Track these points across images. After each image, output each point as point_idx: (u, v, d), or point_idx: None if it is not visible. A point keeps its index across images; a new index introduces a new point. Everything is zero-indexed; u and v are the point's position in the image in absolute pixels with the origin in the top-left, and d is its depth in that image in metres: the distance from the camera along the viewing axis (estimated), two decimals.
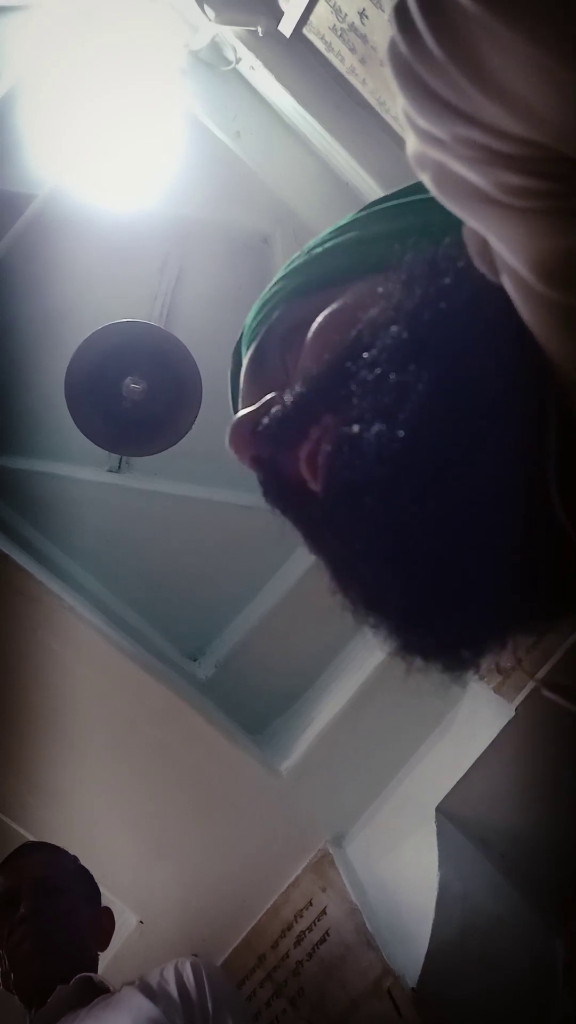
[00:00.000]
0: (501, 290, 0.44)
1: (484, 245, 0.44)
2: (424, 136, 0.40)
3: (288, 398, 0.51)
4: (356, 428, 0.46)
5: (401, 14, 0.36)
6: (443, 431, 0.45)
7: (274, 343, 0.57)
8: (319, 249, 0.58)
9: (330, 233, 0.58)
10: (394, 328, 0.47)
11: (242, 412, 0.54)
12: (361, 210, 0.59)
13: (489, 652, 0.51)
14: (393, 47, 0.37)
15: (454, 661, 0.51)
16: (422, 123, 0.39)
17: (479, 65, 0.34)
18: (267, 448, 0.52)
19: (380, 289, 0.50)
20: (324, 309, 0.53)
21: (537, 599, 0.49)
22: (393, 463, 0.45)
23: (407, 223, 0.54)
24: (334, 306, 0.53)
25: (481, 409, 0.45)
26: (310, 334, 0.53)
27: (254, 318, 0.60)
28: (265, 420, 0.51)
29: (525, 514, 0.46)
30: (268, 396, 0.53)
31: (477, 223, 0.42)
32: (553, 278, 0.40)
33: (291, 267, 0.60)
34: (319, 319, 0.53)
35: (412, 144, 0.41)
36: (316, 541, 0.53)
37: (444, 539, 0.46)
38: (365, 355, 0.47)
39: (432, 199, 0.43)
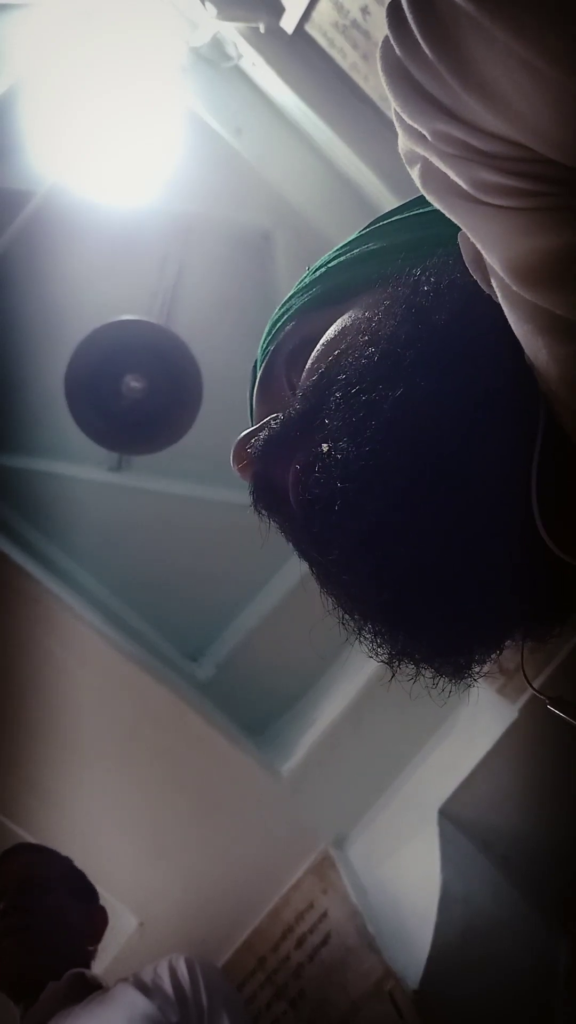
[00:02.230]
0: (489, 302, 0.45)
1: (478, 251, 0.44)
2: (410, 132, 0.41)
3: (279, 418, 0.52)
4: (325, 446, 0.48)
5: (394, 14, 0.37)
6: (411, 447, 0.46)
7: (280, 363, 0.58)
8: (324, 269, 0.58)
9: (338, 250, 0.59)
10: (370, 349, 0.48)
11: (243, 432, 0.56)
12: (369, 225, 0.59)
13: (482, 659, 0.52)
14: (385, 45, 0.39)
15: (448, 668, 0.51)
16: (407, 119, 0.40)
17: (463, 59, 0.35)
18: (259, 465, 0.54)
19: (371, 308, 0.51)
20: (328, 328, 0.54)
21: (518, 606, 0.50)
22: (359, 478, 0.46)
23: (413, 236, 0.55)
24: (334, 325, 0.53)
25: (455, 424, 0.46)
26: (312, 353, 0.54)
27: (265, 338, 0.61)
28: (258, 439, 0.53)
29: (503, 523, 0.46)
30: (269, 416, 0.54)
31: (459, 221, 0.43)
32: (528, 280, 0.40)
33: (299, 286, 0.60)
34: (321, 339, 0.54)
35: (401, 140, 0.43)
36: (301, 553, 0.56)
37: (417, 549, 0.47)
38: (342, 377, 0.49)
39: (437, 210, 0.44)
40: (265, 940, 1.95)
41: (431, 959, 1.63)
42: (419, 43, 0.36)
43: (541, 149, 0.36)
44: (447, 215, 0.43)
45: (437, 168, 0.41)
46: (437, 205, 0.43)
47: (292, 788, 2.01)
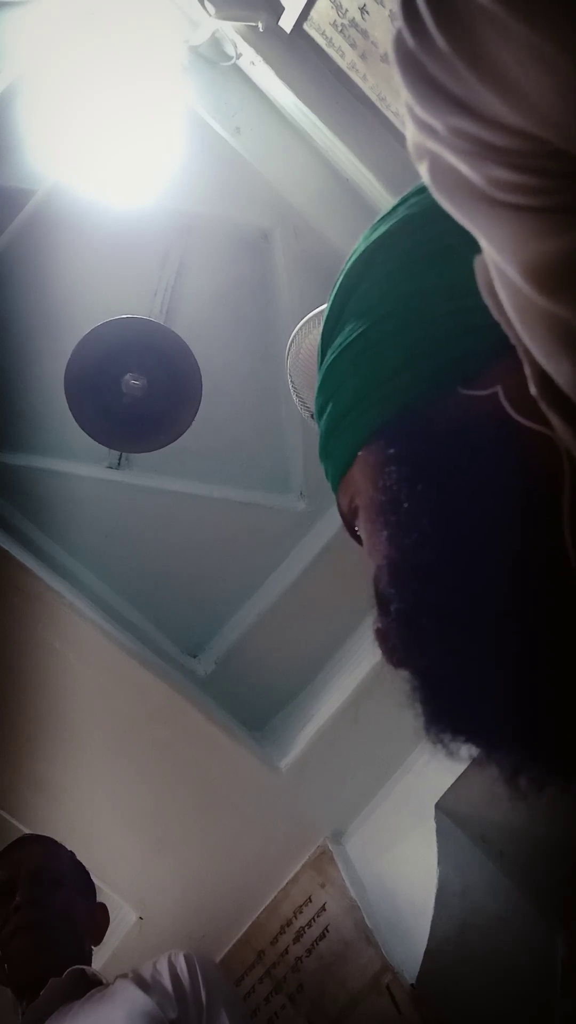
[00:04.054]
0: (488, 417, 0.48)
1: (491, 278, 0.44)
2: (421, 126, 0.40)
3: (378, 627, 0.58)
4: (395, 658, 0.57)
5: (408, 5, 0.36)
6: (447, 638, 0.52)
7: (342, 508, 0.63)
8: (333, 420, 0.60)
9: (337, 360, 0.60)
10: (393, 570, 0.54)
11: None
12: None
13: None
14: (399, 38, 0.38)
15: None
16: (420, 112, 0.39)
17: (479, 51, 0.35)
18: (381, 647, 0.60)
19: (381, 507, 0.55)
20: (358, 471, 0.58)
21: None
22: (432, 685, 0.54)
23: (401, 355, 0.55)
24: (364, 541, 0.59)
25: (485, 533, 0.49)
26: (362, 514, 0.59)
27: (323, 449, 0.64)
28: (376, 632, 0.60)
29: (551, 595, 0.48)
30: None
31: (469, 222, 0.41)
32: (547, 284, 0.39)
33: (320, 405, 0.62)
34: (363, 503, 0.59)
35: (411, 134, 0.42)
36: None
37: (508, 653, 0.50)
38: (389, 594, 0.55)
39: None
40: (264, 934, 1.96)
41: (429, 953, 1.64)
42: (433, 35, 0.36)
43: (557, 142, 0.36)
44: (457, 217, 0.42)
45: (448, 164, 0.40)
46: (447, 205, 0.42)
47: (291, 783, 2.02)
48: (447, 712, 0.54)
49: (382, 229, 0.57)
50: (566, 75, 0.33)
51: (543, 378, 0.43)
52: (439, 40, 0.36)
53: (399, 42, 0.38)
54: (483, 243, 0.42)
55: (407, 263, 0.54)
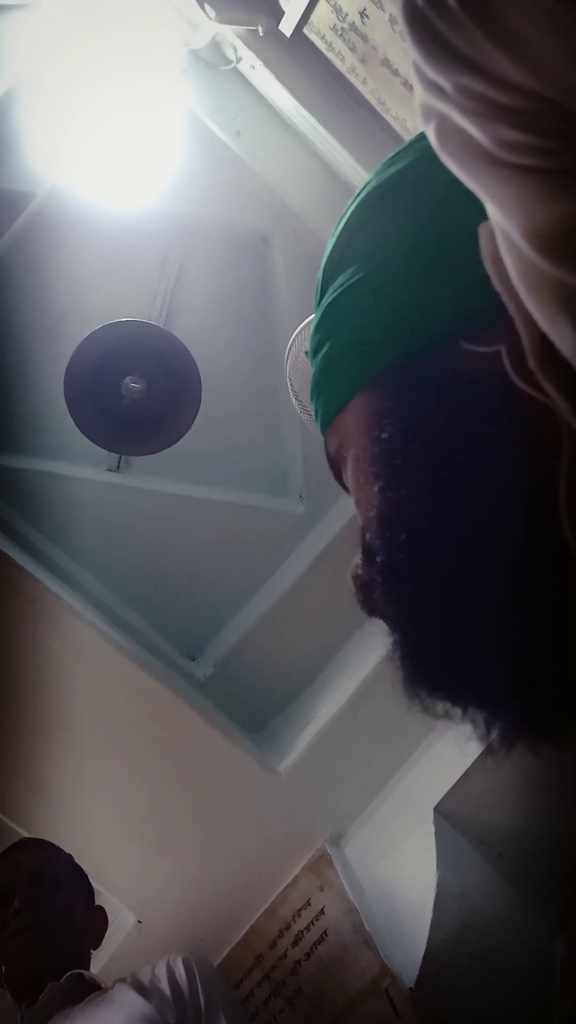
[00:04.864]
0: (482, 382, 0.47)
1: (495, 245, 0.43)
2: (429, 86, 0.40)
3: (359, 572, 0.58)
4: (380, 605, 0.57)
5: None
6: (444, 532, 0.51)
7: (329, 451, 0.62)
8: (328, 356, 0.59)
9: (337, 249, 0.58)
10: (387, 522, 0.54)
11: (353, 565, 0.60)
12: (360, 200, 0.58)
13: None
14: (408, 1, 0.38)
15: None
16: (429, 72, 0.39)
17: (490, 10, 0.35)
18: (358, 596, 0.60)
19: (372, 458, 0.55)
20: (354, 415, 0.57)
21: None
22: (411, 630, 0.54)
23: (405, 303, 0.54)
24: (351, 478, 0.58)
25: (479, 502, 0.49)
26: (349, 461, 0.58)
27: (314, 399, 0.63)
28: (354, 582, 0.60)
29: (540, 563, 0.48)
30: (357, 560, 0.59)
31: (475, 185, 0.41)
32: (550, 249, 0.38)
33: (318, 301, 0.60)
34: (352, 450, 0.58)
35: (419, 95, 0.41)
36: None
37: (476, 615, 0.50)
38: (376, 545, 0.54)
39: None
40: (262, 937, 1.95)
41: (428, 956, 1.63)
42: None
43: (567, 103, 0.35)
44: (464, 179, 0.41)
45: (456, 125, 0.39)
46: (453, 167, 0.41)
47: (290, 786, 2.02)
48: (425, 668, 0.53)
49: (398, 166, 0.55)
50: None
51: (542, 349, 0.43)
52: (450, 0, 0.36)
53: (408, 2, 0.38)
54: (488, 207, 0.41)
55: (421, 206, 0.52)
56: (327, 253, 0.60)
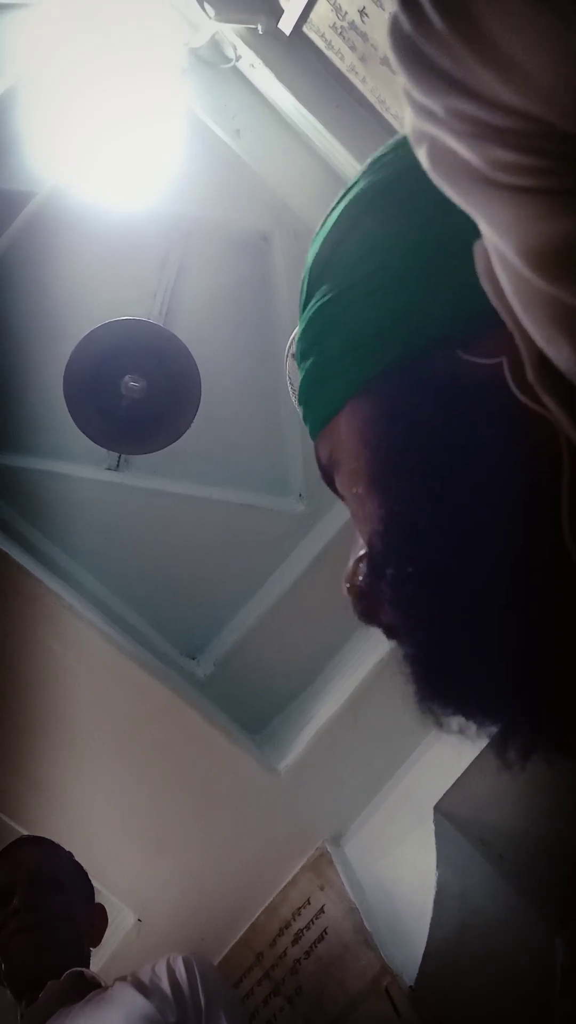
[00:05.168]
0: (478, 389, 0.47)
1: (491, 265, 0.43)
2: (420, 110, 0.39)
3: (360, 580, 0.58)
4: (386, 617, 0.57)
5: None
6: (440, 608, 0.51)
7: (320, 457, 0.62)
8: (317, 370, 0.58)
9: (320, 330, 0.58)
10: (388, 530, 0.54)
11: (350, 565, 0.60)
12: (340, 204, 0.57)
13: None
14: (395, 22, 0.37)
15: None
16: (418, 96, 0.38)
17: (477, 29, 0.34)
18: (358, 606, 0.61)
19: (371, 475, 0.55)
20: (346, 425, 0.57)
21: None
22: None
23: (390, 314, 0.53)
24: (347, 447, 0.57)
25: (479, 507, 0.49)
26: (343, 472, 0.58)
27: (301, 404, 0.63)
28: (352, 590, 0.60)
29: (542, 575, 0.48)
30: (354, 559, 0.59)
31: (469, 206, 0.41)
32: (545, 266, 0.38)
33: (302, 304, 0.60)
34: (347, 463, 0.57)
35: (409, 119, 0.41)
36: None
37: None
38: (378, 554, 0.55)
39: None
40: (262, 936, 1.96)
41: (427, 956, 1.64)
42: (431, 16, 0.35)
43: (561, 123, 0.35)
44: (458, 201, 0.41)
45: (447, 147, 0.39)
46: (447, 189, 0.41)
47: (290, 785, 2.02)
48: (428, 672, 0.54)
49: (389, 170, 0.55)
50: (569, 54, 0.33)
51: (541, 364, 0.43)
52: (437, 21, 0.35)
53: (395, 26, 0.37)
54: (483, 226, 0.41)
55: (419, 208, 0.51)
56: (312, 256, 0.59)
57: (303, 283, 0.59)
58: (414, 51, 0.37)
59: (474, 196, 0.40)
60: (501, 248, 0.40)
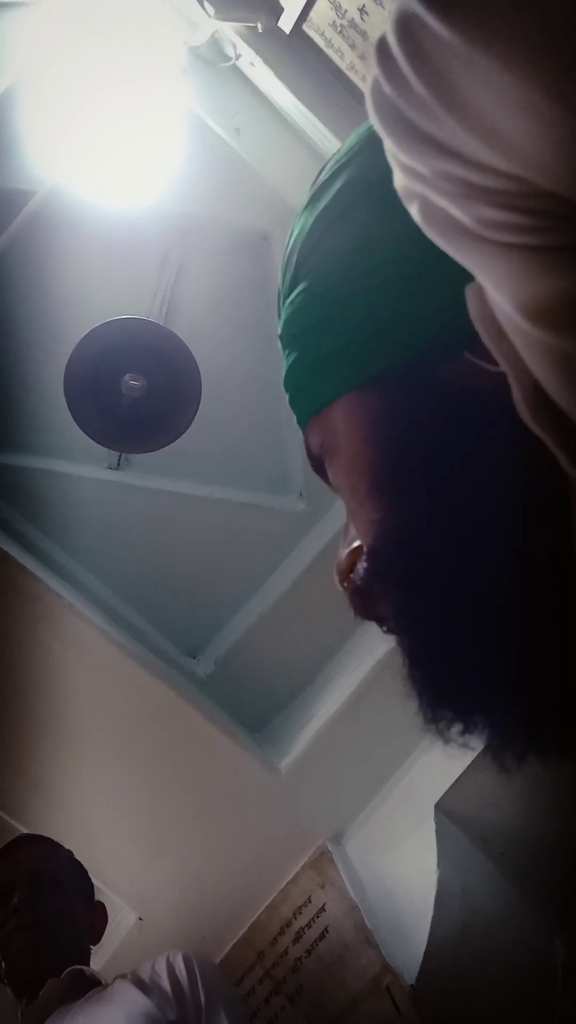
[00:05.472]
0: (474, 402, 0.47)
1: (485, 305, 0.43)
2: (407, 171, 0.39)
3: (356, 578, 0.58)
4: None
5: (382, 52, 0.36)
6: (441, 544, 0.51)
7: (311, 445, 0.61)
8: (303, 364, 0.57)
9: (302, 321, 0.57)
10: (387, 537, 0.54)
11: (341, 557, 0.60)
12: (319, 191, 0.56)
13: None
14: (375, 86, 0.37)
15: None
16: (404, 159, 0.39)
17: (457, 96, 0.34)
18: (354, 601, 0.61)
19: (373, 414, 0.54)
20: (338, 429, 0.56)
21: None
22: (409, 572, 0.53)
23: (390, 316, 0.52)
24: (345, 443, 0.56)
25: (480, 513, 0.49)
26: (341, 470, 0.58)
27: (290, 394, 0.62)
28: (349, 588, 0.60)
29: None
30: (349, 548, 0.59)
31: (464, 259, 0.41)
32: (544, 321, 0.38)
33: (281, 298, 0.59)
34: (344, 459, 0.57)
35: (398, 179, 0.41)
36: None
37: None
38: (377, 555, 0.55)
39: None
40: (263, 935, 1.96)
41: (428, 955, 1.63)
42: (410, 81, 0.35)
43: (546, 184, 0.35)
44: (453, 255, 0.41)
45: (437, 206, 0.39)
46: (441, 244, 0.41)
47: (290, 784, 2.02)
48: (428, 673, 0.54)
49: (381, 157, 0.54)
50: (552, 120, 0.33)
51: (536, 401, 0.43)
52: (417, 86, 0.35)
53: (376, 90, 0.37)
54: (479, 277, 0.41)
55: None
56: (299, 233, 0.58)
57: (287, 259, 0.58)
58: (396, 115, 0.37)
59: (467, 252, 0.40)
60: (498, 299, 0.41)
